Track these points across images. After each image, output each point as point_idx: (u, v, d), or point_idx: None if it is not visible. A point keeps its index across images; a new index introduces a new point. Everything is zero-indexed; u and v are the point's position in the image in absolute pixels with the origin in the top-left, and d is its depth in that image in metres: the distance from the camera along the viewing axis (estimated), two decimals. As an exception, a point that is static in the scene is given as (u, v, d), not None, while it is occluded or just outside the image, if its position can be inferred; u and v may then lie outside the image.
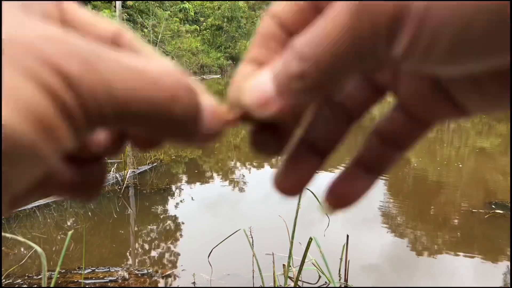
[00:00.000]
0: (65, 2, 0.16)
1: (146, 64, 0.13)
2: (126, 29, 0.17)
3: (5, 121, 0.10)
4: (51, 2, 0.15)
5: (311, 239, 1.20)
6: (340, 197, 0.19)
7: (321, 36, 0.13)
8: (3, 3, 0.13)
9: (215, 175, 3.41)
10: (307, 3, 0.16)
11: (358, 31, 0.13)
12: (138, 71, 0.13)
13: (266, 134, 0.18)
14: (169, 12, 16.24)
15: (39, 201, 2.42)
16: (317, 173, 0.20)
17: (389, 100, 0.20)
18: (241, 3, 21.88)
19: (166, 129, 0.14)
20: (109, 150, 0.17)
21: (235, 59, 21.07)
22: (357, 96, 0.18)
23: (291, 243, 1.31)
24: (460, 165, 3.54)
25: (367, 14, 0.12)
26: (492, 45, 0.12)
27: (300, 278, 1.33)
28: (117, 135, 0.17)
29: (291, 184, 0.19)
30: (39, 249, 0.95)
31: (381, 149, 0.18)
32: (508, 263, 1.85)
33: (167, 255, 2.01)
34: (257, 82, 0.15)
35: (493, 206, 2.53)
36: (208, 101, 0.15)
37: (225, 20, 20.91)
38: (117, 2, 12.00)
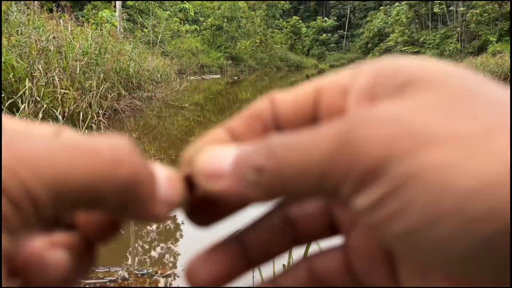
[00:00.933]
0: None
1: (80, 139, 0.13)
2: (65, 128, 0.16)
3: None
4: None
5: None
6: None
7: (298, 147, 0.13)
8: None
9: (215, 175, 3.41)
10: (309, 109, 0.16)
11: (332, 165, 0.12)
12: (69, 147, 0.13)
13: (202, 206, 0.17)
14: (169, 12, 16.23)
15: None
16: (236, 277, 0.18)
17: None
18: (241, 3, 21.86)
19: (117, 200, 0.13)
20: (98, 235, 0.16)
21: (235, 59, 21.05)
22: (311, 221, 0.18)
23: (291, 243, 1.31)
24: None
25: (350, 149, 0.12)
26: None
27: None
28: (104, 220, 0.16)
29: (205, 276, 0.18)
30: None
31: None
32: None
33: (167, 255, 2.01)
34: (220, 153, 0.15)
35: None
36: (161, 169, 0.15)
37: (225, 20, 20.89)
38: (117, 2, 12.00)
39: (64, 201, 0.12)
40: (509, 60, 14.91)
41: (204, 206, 0.17)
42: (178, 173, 0.16)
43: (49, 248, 0.14)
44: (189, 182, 0.16)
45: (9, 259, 0.12)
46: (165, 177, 0.15)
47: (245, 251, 0.18)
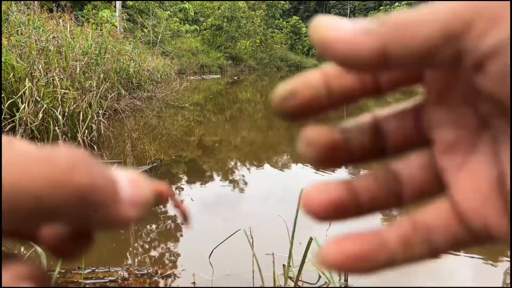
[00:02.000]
0: None
1: (34, 149, 0.13)
2: (15, 139, 0.15)
3: None
4: None
5: (311, 239, 1.20)
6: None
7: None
8: None
9: (215, 175, 3.41)
10: None
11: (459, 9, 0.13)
12: (21, 155, 0.12)
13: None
14: (169, 12, 16.23)
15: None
16: (349, 217, 0.18)
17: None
18: (241, 3, 21.85)
19: (76, 208, 0.13)
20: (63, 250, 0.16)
21: (235, 59, 21.04)
22: (416, 175, 0.16)
23: (291, 243, 1.31)
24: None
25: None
26: None
27: (300, 278, 1.33)
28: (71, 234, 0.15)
29: (322, 202, 0.17)
30: (39, 249, 0.95)
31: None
32: (508, 263, 1.85)
33: (167, 255, 2.01)
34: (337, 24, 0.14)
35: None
36: (123, 172, 0.15)
37: (225, 20, 20.89)
38: (117, 2, 12.00)
39: (20, 212, 0.12)
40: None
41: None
42: (141, 175, 0.16)
43: (17, 281, 0.14)
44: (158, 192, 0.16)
45: None
46: (127, 179, 0.15)
47: (357, 196, 0.17)
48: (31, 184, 0.12)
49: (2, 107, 3.31)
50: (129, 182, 0.15)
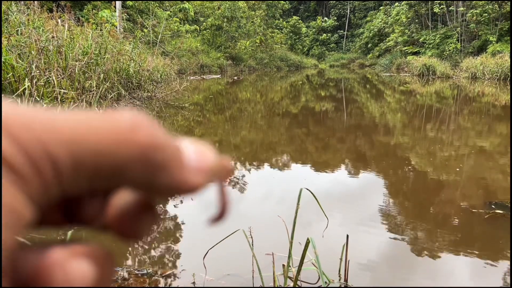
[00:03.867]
0: None
1: (96, 112, 0.13)
2: None
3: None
4: None
5: (308, 240, 1.20)
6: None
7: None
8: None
9: (215, 175, 3.41)
10: None
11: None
12: (84, 115, 0.13)
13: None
14: (169, 12, 16.22)
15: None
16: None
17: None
18: (241, 3, 21.84)
19: (140, 168, 0.13)
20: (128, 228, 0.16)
21: (235, 59, 21.03)
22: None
23: (291, 243, 1.31)
24: (460, 165, 3.55)
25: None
26: None
27: (299, 278, 1.33)
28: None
29: None
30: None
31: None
32: (508, 263, 1.85)
33: (167, 255, 2.01)
34: None
35: (493, 206, 2.53)
36: (187, 141, 0.15)
37: (225, 20, 20.88)
38: (117, 2, 11.99)
39: (84, 168, 0.12)
40: (509, 60, 14.89)
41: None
42: (206, 145, 0.15)
43: (71, 258, 0.13)
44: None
45: (25, 226, 0.12)
46: (192, 147, 0.15)
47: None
48: (96, 139, 0.12)
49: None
50: (195, 149, 0.15)
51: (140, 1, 15.08)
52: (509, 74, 14.59)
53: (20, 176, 0.11)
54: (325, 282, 1.51)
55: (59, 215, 0.15)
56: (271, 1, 27.92)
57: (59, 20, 5.36)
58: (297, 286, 1.38)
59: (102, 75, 4.87)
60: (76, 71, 4.21)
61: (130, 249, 2.07)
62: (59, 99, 3.65)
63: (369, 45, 32.97)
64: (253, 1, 24.29)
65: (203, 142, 0.15)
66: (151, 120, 0.14)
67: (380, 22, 31.52)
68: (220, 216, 0.17)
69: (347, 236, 1.56)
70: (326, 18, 40.00)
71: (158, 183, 0.14)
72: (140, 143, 0.13)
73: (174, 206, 2.63)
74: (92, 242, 0.15)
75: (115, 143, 0.12)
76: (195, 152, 0.15)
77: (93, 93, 4.14)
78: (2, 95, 3.40)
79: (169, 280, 1.72)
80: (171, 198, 0.15)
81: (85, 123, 0.12)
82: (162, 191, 0.14)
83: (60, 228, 0.15)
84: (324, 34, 38.62)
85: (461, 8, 21.99)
